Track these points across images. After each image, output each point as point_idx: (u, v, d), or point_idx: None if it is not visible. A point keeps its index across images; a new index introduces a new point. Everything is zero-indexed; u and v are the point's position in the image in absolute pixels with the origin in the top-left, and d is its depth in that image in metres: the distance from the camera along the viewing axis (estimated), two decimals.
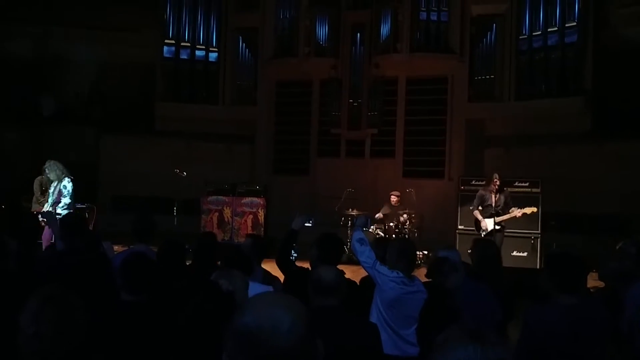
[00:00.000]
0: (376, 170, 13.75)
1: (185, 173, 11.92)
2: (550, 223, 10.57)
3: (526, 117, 12.67)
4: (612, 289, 4.23)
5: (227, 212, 12.44)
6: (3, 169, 11.96)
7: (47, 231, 8.33)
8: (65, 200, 8.75)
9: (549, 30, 12.40)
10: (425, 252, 10.68)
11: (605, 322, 3.36)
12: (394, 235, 10.70)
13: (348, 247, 8.35)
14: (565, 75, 12.32)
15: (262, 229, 12.06)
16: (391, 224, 11.01)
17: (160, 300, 3.45)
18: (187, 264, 4.62)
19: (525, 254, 10.35)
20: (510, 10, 13.10)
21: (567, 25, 12.20)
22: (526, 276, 8.74)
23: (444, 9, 13.23)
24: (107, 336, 2.93)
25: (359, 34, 14.02)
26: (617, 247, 4.63)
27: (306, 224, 4.86)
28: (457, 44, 13.36)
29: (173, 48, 15.10)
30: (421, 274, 4.32)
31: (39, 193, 10.67)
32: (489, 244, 5.31)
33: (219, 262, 4.33)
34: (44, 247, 7.53)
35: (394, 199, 11.34)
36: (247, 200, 12.28)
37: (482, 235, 9.25)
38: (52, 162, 9.01)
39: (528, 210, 9.57)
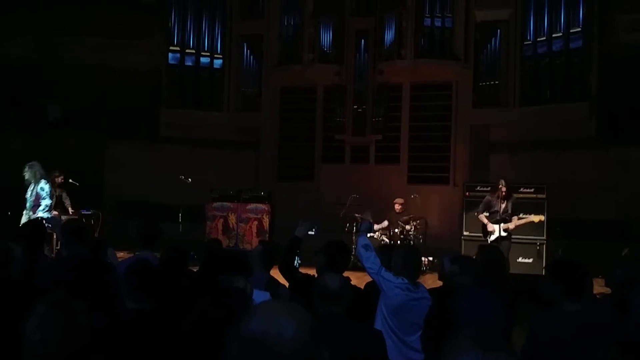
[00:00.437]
0: (381, 176, 13.74)
1: (190, 179, 11.94)
2: (555, 229, 10.54)
3: (531, 122, 12.65)
4: (619, 295, 4.21)
5: (232, 218, 12.45)
6: (9, 175, 11.98)
7: None
8: (45, 202, 8.68)
9: (553, 35, 12.39)
10: (430, 259, 10.66)
11: (610, 328, 3.34)
12: (398, 242, 10.69)
13: (353, 253, 8.34)
14: (570, 81, 12.30)
15: (267, 235, 12.06)
16: (396, 230, 10.99)
17: (164, 308, 3.45)
18: (194, 270, 4.63)
19: (530, 260, 10.33)
20: (514, 16, 13.11)
21: (571, 30, 12.19)
22: (531, 282, 8.72)
23: (448, 15, 13.25)
24: (111, 343, 2.93)
25: (363, 41, 14.05)
26: (623, 253, 4.62)
27: (309, 232, 4.85)
28: (462, 50, 13.37)
29: (178, 55, 15.17)
30: (426, 280, 4.31)
31: None
32: (493, 250, 5.31)
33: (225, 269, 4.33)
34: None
35: (397, 206, 11.33)
36: (252, 206, 12.29)
37: (489, 241, 9.20)
38: (31, 163, 8.95)
39: (535, 218, 9.51)
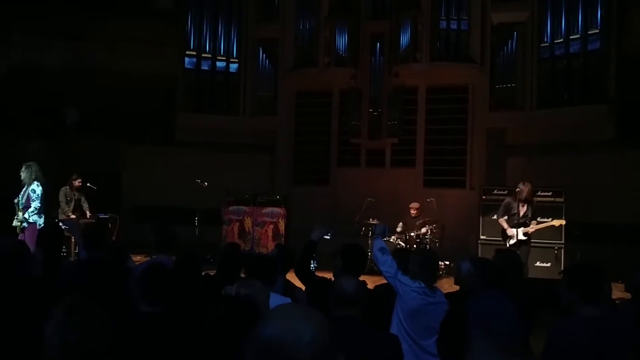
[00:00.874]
0: (397, 179, 13.70)
1: (206, 183, 12.00)
2: (573, 233, 10.42)
3: (548, 125, 12.55)
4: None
5: (248, 222, 12.49)
6: None
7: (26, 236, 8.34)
8: (35, 204, 8.62)
9: (571, 37, 12.27)
10: (447, 263, 10.61)
11: (629, 333, 3.30)
12: (414, 246, 10.65)
13: (369, 257, 8.32)
14: (587, 83, 12.17)
15: (283, 239, 12.08)
16: (412, 234, 10.95)
17: (179, 311, 3.46)
18: (211, 274, 4.64)
19: (549, 264, 10.23)
20: (531, 18, 13.02)
21: (589, 32, 12.07)
22: (549, 287, 8.64)
23: (464, 17, 13.20)
24: (124, 346, 2.94)
25: (378, 44, 14.03)
26: None
27: (325, 237, 4.86)
28: (478, 53, 13.32)
29: (194, 59, 15.26)
30: (442, 284, 4.29)
31: (64, 203, 10.82)
32: (510, 254, 5.27)
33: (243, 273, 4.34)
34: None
35: (413, 211, 11.29)
36: (268, 210, 12.32)
37: (508, 245, 9.06)
38: (28, 164, 8.92)
39: (557, 222, 9.40)
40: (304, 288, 4.61)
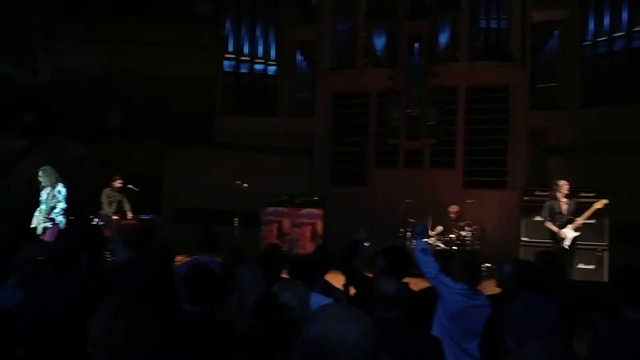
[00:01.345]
0: (436, 181, 13.57)
1: (246, 185, 12.10)
2: (617, 234, 10.17)
3: (591, 125, 12.28)
4: None
5: (286, 223, 12.58)
6: (71, 182, 12.42)
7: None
8: (61, 205, 8.84)
9: (614, 35, 12.00)
10: (488, 265, 10.47)
11: None
12: (454, 248, 10.55)
13: None
14: (632, 81, 11.86)
15: (321, 240, 12.11)
16: (452, 236, 10.85)
17: (221, 311, 3.50)
18: None
19: (592, 266, 10.00)
20: (572, 16, 12.77)
21: (634, 29, 11.77)
22: (592, 290, 8.45)
23: (503, 16, 13.03)
24: (169, 346, 2.98)
25: (416, 44, 13.94)
26: None
27: (365, 244, 4.91)
28: (518, 52, 13.12)
29: (233, 62, 15.41)
30: (483, 287, 4.24)
31: (106, 204, 11.05)
32: (552, 256, 5.20)
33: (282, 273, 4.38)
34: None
35: (452, 214, 11.19)
36: (306, 211, 12.38)
37: (565, 247, 8.84)
38: (45, 168, 9.09)
39: (599, 204, 9.14)
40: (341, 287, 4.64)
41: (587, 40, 12.43)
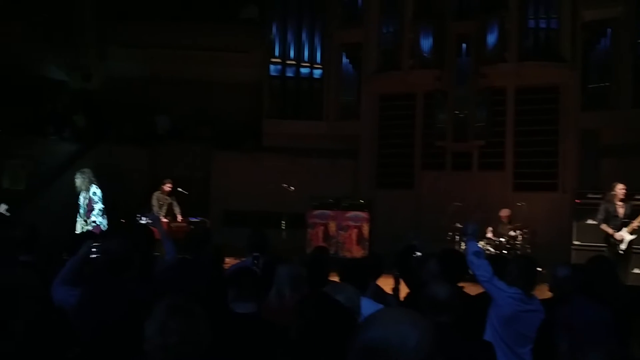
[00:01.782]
0: (485, 183, 13.34)
1: (293, 188, 12.17)
2: None
3: None
4: None
5: (332, 226, 12.59)
6: (122, 185, 12.72)
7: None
8: (98, 206, 8.88)
9: None
10: (539, 269, 10.25)
11: None
12: (504, 251, 10.37)
13: None
14: None
15: (367, 243, 12.07)
16: (502, 239, 10.67)
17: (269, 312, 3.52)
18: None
19: None
20: (626, 14, 12.40)
21: None
22: None
23: (553, 15, 12.74)
24: (221, 346, 3.01)
25: (464, 45, 13.76)
26: None
27: (414, 254, 4.90)
28: (568, 52, 12.81)
29: (279, 66, 15.52)
30: (536, 291, 4.16)
31: (157, 207, 11.27)
32: (604, 260, 5.08)
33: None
34: None
35: (504, 219, 11.01)
36: (352, 214, 12.37)
37: (621, 250, 8.61)
38: (82, 170, 9.16)
39: None
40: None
41: None
